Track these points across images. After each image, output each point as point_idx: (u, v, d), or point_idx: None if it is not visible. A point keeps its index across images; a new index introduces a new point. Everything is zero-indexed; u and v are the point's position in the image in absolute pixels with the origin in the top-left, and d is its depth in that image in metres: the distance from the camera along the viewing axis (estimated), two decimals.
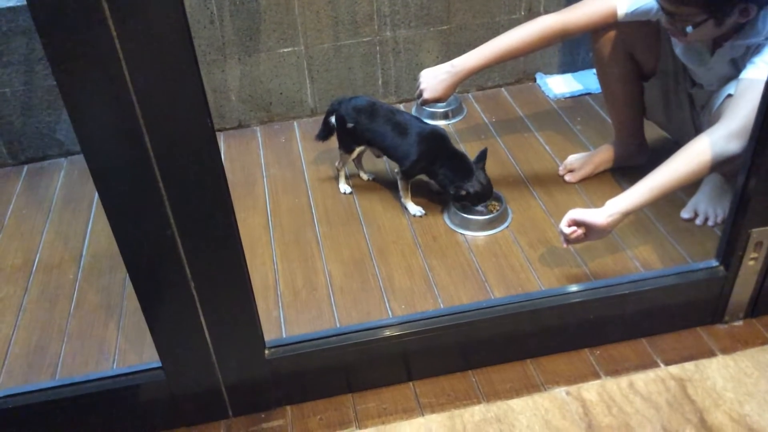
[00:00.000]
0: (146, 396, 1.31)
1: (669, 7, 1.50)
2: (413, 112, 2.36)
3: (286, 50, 2.27)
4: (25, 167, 2.26)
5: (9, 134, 2.22)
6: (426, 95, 1.80)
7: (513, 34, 1.73)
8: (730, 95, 1.52)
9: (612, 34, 1.75)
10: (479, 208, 1.83)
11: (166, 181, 1.06)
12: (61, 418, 1.32)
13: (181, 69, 0.98)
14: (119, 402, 1.32)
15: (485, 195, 1.81)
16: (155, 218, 1.09)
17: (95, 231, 1.94)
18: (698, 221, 1.77)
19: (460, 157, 1.85)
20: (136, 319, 1.60)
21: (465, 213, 1.84)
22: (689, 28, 1.48)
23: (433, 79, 1.79)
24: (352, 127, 1.91)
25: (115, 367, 1.52)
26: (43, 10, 0.89)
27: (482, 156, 1.84)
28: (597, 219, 1.48)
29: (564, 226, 1.53)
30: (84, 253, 1.87)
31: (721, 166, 1.45)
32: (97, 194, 1.07)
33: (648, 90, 1.84)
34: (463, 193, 1.78)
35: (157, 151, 1.03)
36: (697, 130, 1.75)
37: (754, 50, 1.50)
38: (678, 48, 1.71)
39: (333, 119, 1.96)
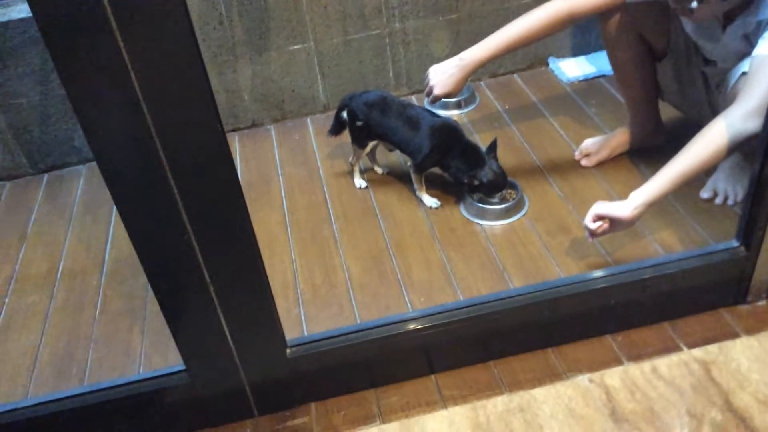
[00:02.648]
0: (172, 399, 1.33)
1: None
2: (425, 103, 2.35)
3: (296, 47, 2.27)
4: (45, 176, 2.29)
5: (28, 144, 2.25)
6: (436, 91, 1.79)
7: (520, 23, 1.71)
8: (744, 73, 1.50)
9: (620, 16, 1.73)
10: (494, 198, 1.82)
11: (180, 187, 1.07)
12: (90, 424, 1.34)
13: (188, 73, 0.98)
14: (146, 406, 1.34)
15: (499, 184, 1.81)
16: (171, 224, 1.10)
17: (117, 236, 1.97)
18: (718, 200, 1.75)
19: (472, 147, 1.84)
20: (160, 322, 1.61)
21: (481, 203, 1.83)
22: (694, 4, 1.46)
23: (443, 74, 1.77)
24: (364, 122, 1.92)
25: (141, 371, 1.54)
26: (47, 20, 0.90)
27: (493, 146, 1.83)
28: (622, 212, 1.47)
29: (589, 222, 1.53)
30: (106, 258, 1.89)
31: (740, 146, 1.43)
32: None
33: (661, 70, 1.82)
34: (477, 183, 1.78)
35: (169, 157, 1.04)
36: (713, 108, 1.72)
37: (765, 25, 1.47)
38: (689, 26, 1.68)
39: (345, 114, 1.96)
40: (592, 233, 1.54)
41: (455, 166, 1.83)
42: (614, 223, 1.51)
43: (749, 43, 1.53)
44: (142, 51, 0.94)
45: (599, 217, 1.52)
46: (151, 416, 1.36)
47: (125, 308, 1.72)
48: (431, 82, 1.80)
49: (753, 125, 1.40)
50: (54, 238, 2.00)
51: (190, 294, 1.20)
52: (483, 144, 1.88)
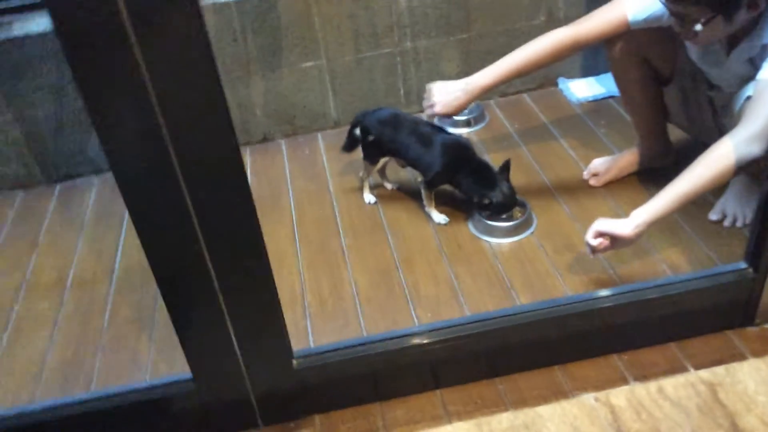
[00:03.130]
0: (178, 407, 1.34)
1: (675, 9, 1.49)
2: (435, 121, 2.36)
3: (308, 64, 2.30)
4: (58, 186, 2.32)
5: (42, 154, 2.28)
6: (438, 109, 1.80)
7: (525, 50, 1.73)
8: (749, 97, 1.51)
9: (625, 41, 1.74)
10: (503, 218, 1.83)
11: (194, 198, 1.09)
12: (96, 431, 1.35)
13: (205, 89, 1.00)
14: (152, 413, 1.34)
15: (509, 205, 1.82)
16: (184, 234, 1.12)
17: (127, 246, 1.98)
18: (726, 223, 1.75)
19: (484, 166, 1.85)
20: (168, 331, 1.62)
21: (489, 220, 1.84)
22: (698, 27, 1.47)
23: (448, 95, 1.79)
24: (377, 139, 1.93)
25: (148, 379, 1.55)
26: (69, 36, 0.93)
27: (506, 167, 1.84)
28: (623, 230, 1.48)
29: (590, 238, 1.53)
30: (116, 268, 1.91)
31: (743, 169, 1.44)
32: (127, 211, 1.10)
33: (667, 95, 1.83)
34: (487, 202, 1.79)
35: (183, 168, 1.06)
36: (720, 132, 1.73)
37: None
38: (693, 52, 1.70)
39: (358, 131, 1.98)
40: (594, 250, 1.55)
41: (466, 184, 1.84)
42: (615, 241, 1.52)
43: (754, 66, 1.54)
44: (160, 65, 0.97)
45: (600, 234, 1.53)
46: (157, 424, 1.36)
47: (134, 317, 1.73)
48: (435, 99, 1.81)
49: (757, 148, 1.41)
50: (65, 246, 2.02)
51: (199, 303, 1.21)
52: (493, 163, 1.89)
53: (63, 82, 2.17)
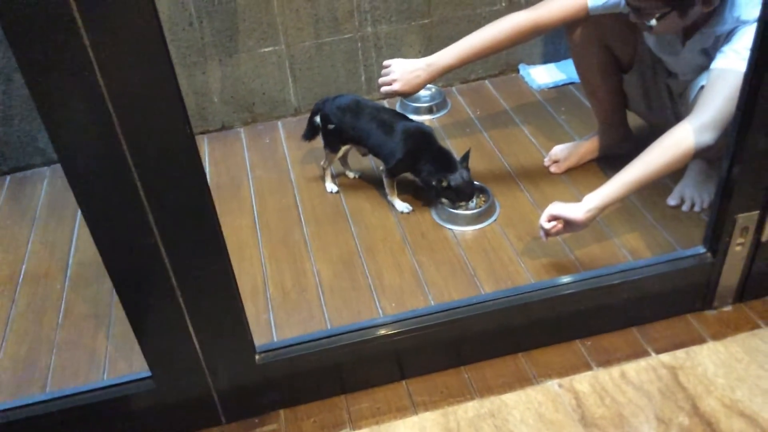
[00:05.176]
0: (137, 406, 1.30)
1: (632, 2, 1.50)
2: (397, 107, 2.35)
3: (267, 50, 2.25)
4: (8, 177, 2.23)
5: None
6: (398, 87, 1.77)
7: (485, 33, 1.72)
8: (703, 87, 1.52)
9: (585, 27, 1.75)
10: (459, 206, 1.82)
11: (147, 189, 1.05)
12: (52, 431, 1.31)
13: (156, 74, 0.97)
14: (110, 413, 1.31)
15: (465, 192, 1.81)
16: (137, 227, 1.08)
17: (81, 240, 1.92)
18: (685, 207, 1.78)
19: (445, 153, 1.84)
20: (125, 327, 1.57)
21: (450, 207, 1.83)
22: (653, 22, 1.48)
23: (409, 73, 1.76)
24: (337, 127, 1.90)
25: (105, 377, 1.51)
26: (13, 19, 0.88)
27: (466, 156, 1.83)
28: (575, 214, 1.51)
29: (543, 221, 1.57)
30: (70, 262, 1.85)
31: (695, 156, 1.46)
32: None
33: (627, 81, 1.84)
34: (444, 184, 1.77)
35: (135, 159, 1.02)
36: (677, 118, 1.75)
37: (723, 39, 1.50)
38: (650, 40, 1.71)
39: (318, 119, 1.95)
40: (547, 233, 1.57)
41: (426, 170, 1.82)
42: (568, 224, 1.54)
43: (708, 56, 1.56)
44: (109, 50, 0.92)
45: (553, 218, 1.55)
46: (116, 423, 1.33)
47: (89, 313, 1.68)
48: (395, 76, 1.77)
49: (708, 137, 1.43)
50: (16, 240, 1.95)
51: (156, 299, 1.17)
52: (455, 150, 1.88)
53: (10, 69, 2.08)
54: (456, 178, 1.78)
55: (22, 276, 1.82)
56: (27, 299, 1.75)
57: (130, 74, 0.95)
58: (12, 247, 1.93)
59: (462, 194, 1.81)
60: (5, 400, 1.45)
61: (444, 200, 1.84)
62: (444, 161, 1.82)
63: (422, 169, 1.84)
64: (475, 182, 1.89)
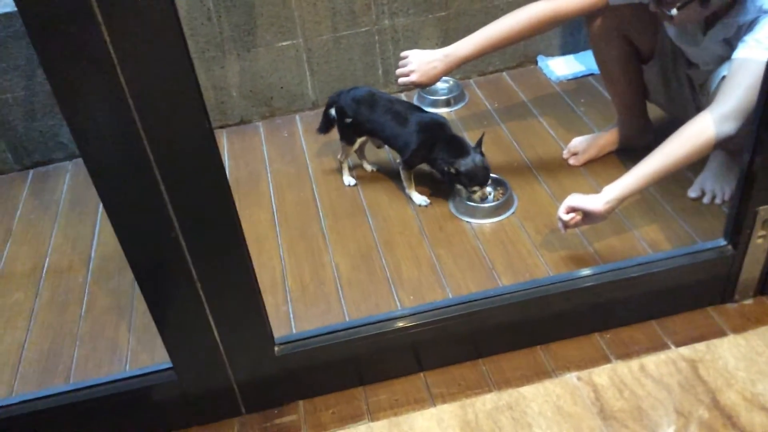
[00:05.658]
0: (159, 396, 1.32)
1: None
2: (414, 100, 2.34)
3: (284, 44, 2.26)
4: (31, 172, 2.27)
5: (13, 139, 2.23)
6: (415, 78, 1.76)
7: (503, 23, 1.71)
8: (725, 77, 1.51)
9: (606, 17, 1.73)
10: (476, 194, 1.81)
11: (167, 183, 1.06)
12: (75, 422, 1.33)
13: (176, 68, 0.98)
14: (132, 403, 1.33)
15: (478, 176, 1.78)
16: (158, 220, 1.09)
17: (103, 233, 1.95)
18: (705, 200, 1.76)
19: (458, 140, 1.83)
20: (147, 319, 1.60)
21: (470, 201, 1.83)
22: (674, 12, 1.46)
23: (426, 64, 1.75)
24: (353, 119, 1.91)
25: (127, 368, 1.53)
26: (34, 15, 0.89)
27: (479, 142, 1.82)
28: (594, 206, 1.49)
29: (562, 213, 1.56)
30: (93, 255, 1.88)
31: (716, 147, 1.45)
32: None
33: (647, 72, 1.82)
34: (454, 171, 1.76)
35: (156, 153, 1.03)
36: (698, 110, 1.73)
37: (746, 29, 1.48)
38: (670, 30, 1.69)
39: (333, 111, 1.95)
40: (565, 225, 1.56)
41: (440, 158, 1.81)
42: (587, 216, 1.53)
43: (730, 46, 1.54)
44: (129, 45, 0.94)
45: (572, 209, 1.54)
46: (138, 414, 1.35)
47: (111, 305, 1.70)
48: (412, 67, 1.76)
49: (728, 128, 1.41)
50: (39, 235, 1.98)
51: (177, 291, 1.19)
52: (472, 142, 1.87)
53: (34, 65, 2.11)
54: (467, 163, 1.76)
55: (45, 269, 1.85)
56: (50, 292, 1.77)
57: (150, 69, 0.96)
58: (35, 241, 1.96)
59: (474, 178, 1.78)
60: (30, 391, 1.48)
61: (459, 187, 1.83)
62: (457, 148, 1.80)
63: (437, 157, 1.83)
64: (493, 174, 1.88)
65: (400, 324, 1.36)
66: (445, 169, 1.79)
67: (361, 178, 2.04)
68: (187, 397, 1.33)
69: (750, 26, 1.47)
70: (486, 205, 1.82)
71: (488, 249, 1.72)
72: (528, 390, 1.36)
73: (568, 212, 1.55)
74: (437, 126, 1.85)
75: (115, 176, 1.05)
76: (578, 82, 2.35)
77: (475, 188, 1.80)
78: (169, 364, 1.28)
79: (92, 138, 1.01)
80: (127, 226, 1.10)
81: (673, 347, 1.41)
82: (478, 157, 1.79)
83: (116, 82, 0.96)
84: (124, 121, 0.99)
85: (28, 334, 1.65)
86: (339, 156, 2.02)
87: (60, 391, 1.31)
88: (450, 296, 1.60)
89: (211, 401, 1.35)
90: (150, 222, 1.10)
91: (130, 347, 1.58)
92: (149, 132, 1.01)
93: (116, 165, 1.04)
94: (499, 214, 1.82)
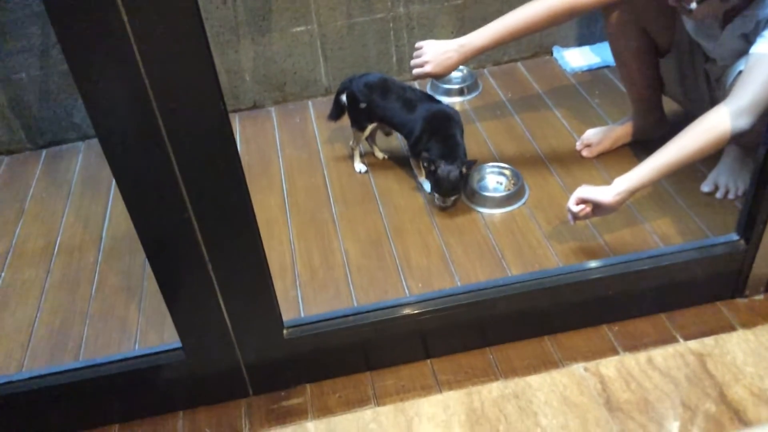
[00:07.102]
0: (167, 376, 1.33)
1: None
2: (428, 89, 2.34)
3: (299, 29, 2.25)
4: (44, 151, 2.28)
5: (27, 119, 2.24)
6: (430, 68, 1.74)
7: (519, 14, 1.68)
8: (741, 72, 1.49)
9: (623, 9, 1.71)
10: (435, 196, 1.80)
11: (181, 164, 1.06)
12: (84, 399, 1.34)
13: (192, 51, 0.98)
14: (141, 382, 1.34)
15: (442, 187, 1.76)
16: (171, 201, 1.10)
17: (115, 213, 1.96)
18: (718, 194, 1.75)
19: (455, 142, 1.81)
20: (157, 300, 1.62)
21: (482, 190, 1.82)
22: (693, 4, 1.45)
23: (441, 55, 1.74)
24: (366, 104, 1.91)
25: (136, 347, 1.54)
26: None
27: (471, 162, 1.79)
28: (604, 197, 1.49)
29: (572, 204, 1.55)
30: (104, 235, 1.89)
31: (731, 142, 1.43)
32: None
33: (664, 66, 1.81)
34: (433, 168, 1.75)
35: (171, 134, 1.04)
36: (714, 105, 1.72)
37: (764, 23, 1.47)
38: (689, 24, 1.67)
39: (344, 98, 1.95)
40: (575, 216, 1.55)
41: (432, 148, 1.80)
42: (597, 208, 1.52)
43: (747, 41, 1.52)
44: (146, 26, 0.94)
45: (582, 201, 1.54)
46: (146, 393, 1.36)
47: (122, 285, 1.71)
48: (427, 58, 1.74)
49: (744, 122, 1.40)
50: (51, 214, 2.00)
51: (188, 272, 1.19)
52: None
53: (48, 45, 2.12)
54: (443, 170, 1.75)
55: (56, 248, 1.87)
56: (61, 271, 1.79)
57: (166, 51, 0.96)
58: (47, 220, 1.97)
59: (440, 186, 1.77)
60: (41, 368, 1.49)
61: (430, 179, 1.81)
62: (450, 149, 1.79)
63: (430, 147, 1.81)
64: (506, 164, 1.88)
65: (408, 311, 1.36)
66: (424, 163, 1.78)
67: (372, 165, 2.04)
68: (195, 378, 1.34)
69: None
70: (497, 194, 1.81)
71: (498, 238, 1.72)
72: (534, 379, 1.36)
73: (578, 204, 1.55)
74: (444, 117, 1.84)
75: (130, 156, 1.05)
76: (593, 73, 2.34)
77: (435, 193, 1.80)
78: (178, 344, 1.29)
79: (108, 118, 1.01)
80: (140, 207, 1.11)
81: (681, 341, 1.41)
82: (454, 172, 1.74)
83: (133, 64, 0.96)
84: (140, 103, 0.99)
85: (38, 312, 1.67)
86: (351, 143, 2.02)
87: (69, 368, 1.32)
88: (459, 284, 1.60)
89: (218, 382, 1.36)
90: (163, 202, 1.10)
91: (140, 327, 1.59)
92: (164, 113, 1.01)
93: (131, 145, 1.04)
94: (510, 204, 1.81)
